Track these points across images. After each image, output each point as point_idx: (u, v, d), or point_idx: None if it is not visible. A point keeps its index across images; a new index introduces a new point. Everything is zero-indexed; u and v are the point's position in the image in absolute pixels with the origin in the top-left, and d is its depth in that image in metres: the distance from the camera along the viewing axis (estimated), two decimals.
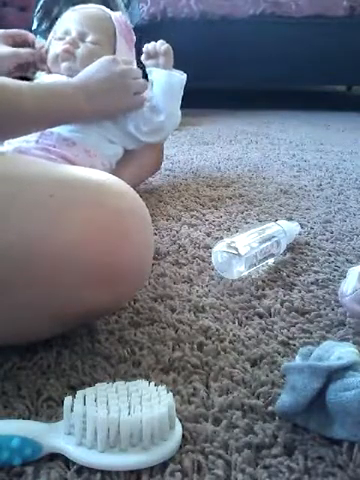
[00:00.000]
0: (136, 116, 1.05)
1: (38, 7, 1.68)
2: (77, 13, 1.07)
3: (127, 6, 2.16)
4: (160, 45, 1.09)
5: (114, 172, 1.02)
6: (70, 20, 1.06)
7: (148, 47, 1.10)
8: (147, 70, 1.10)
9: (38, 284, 0.52)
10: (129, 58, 1.07)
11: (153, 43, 1.10)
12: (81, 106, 0.92)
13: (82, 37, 1.03)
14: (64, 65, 1.03)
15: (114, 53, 1.05)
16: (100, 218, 0.55)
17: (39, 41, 1.10)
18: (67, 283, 0.53)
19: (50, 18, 1.67)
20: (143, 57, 1.10)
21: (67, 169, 0.61)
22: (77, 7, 1.10)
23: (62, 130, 0.98)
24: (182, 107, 1.11)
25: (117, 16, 1.09)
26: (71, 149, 0.96)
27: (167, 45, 1.09)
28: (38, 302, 0.53)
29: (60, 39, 1.04)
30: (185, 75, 1.10)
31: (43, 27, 1.73)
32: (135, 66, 1.07)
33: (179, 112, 1.12)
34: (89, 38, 1.03)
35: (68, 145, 0.97)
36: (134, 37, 1.13)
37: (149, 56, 1.10)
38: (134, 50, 1.13)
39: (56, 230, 0.52)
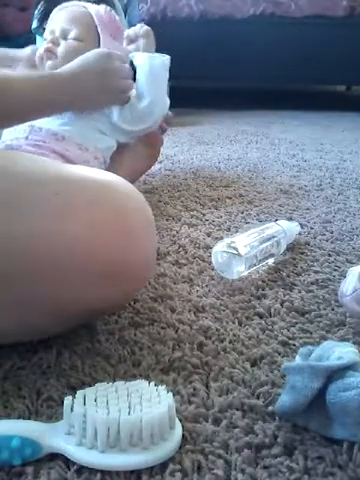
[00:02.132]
0: (120, 107, 1.04)
1: (39, 7, 1.69)
2: (60, 12, 1.09)
3: (127, 6, 2.15)
4: (139, 28, 1.09)
5: (109, 168, 1.02)
6: (55, 20, 1.08)
7: (128, 32, 1.09)
8: (130, 56, 1.07)
9: (42, 281, 0.53)
10: (120, 52, 1.04)
11: (133, 28, 1.10)
12: (67, 99, 0.93)
13: (64, 34, 1.04)
14: (48, 64, 1.02)
15: (98, 47, 1.03)
16: (104, 217, 0.55)
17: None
18: (71, 281, 0.54)
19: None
20: (124, 43, 1.09)
21: (71, 168, 0.61)
22: (62, 5, 1.10)
23: (51, 125, 0.98)
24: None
25: (98, 10, 1.07)
26: (62, 144, 0.96)
27: (147, 27, 1.09)
28: (42, 299, 0.54)
29: (46, 39, 1.05)
30: (168, 57, 1.07)
31: (43, 27, 1.73)
32: (128, 56, 1.06)
33: (166, 97, 1.09)
34: (71, 35, 1.03)
35: (58, 140, 0.97)
36: (122, 27, 1.11)
37: (130, 40, 1.09)
38: (124, 40, 1.11)
39: (61, 228, 0.53)
